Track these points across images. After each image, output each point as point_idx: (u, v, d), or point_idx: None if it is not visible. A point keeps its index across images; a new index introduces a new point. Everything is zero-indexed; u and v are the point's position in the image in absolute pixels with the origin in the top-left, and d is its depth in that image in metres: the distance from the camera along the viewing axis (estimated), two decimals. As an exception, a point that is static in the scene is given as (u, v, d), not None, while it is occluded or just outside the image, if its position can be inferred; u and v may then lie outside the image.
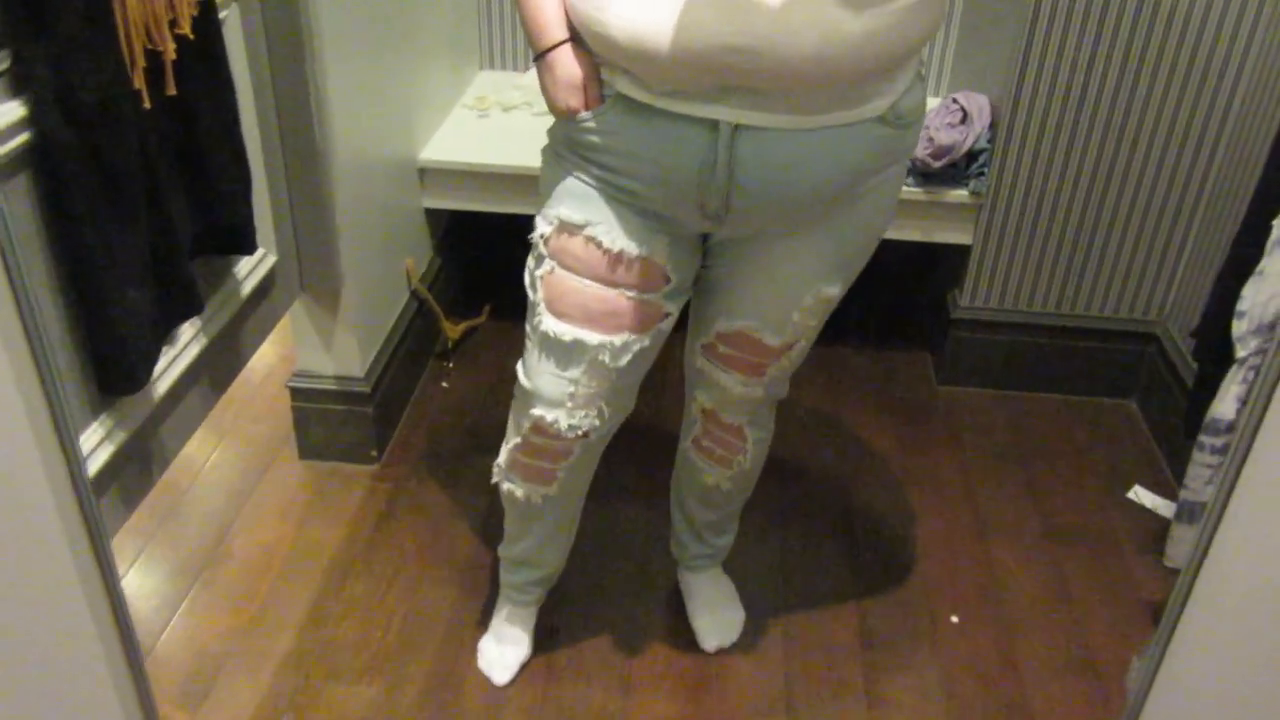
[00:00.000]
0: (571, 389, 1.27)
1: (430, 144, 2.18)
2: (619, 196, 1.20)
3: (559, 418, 1.29)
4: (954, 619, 1.72)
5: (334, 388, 1.94)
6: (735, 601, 1.70)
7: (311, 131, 1.64)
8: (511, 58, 2.52)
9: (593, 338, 1.24)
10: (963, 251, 2.15)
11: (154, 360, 1.22)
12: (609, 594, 1.75)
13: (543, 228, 1.24)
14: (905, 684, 1.62)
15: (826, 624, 1.71)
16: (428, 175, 2.16)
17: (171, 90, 1.12)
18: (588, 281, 1.22)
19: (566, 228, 1.21)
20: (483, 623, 1.67)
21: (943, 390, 2.26)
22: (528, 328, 1.30)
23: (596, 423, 1.31)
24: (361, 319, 1.91)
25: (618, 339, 1.24)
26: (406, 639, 1.66)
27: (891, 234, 2.09)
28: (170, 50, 1.10)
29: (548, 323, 1.24)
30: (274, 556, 1.82)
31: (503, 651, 1.61)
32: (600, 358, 1.25)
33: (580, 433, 1.31)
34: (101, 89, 1.01)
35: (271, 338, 1.78)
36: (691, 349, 1.42)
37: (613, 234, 1.20)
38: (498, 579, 1.63)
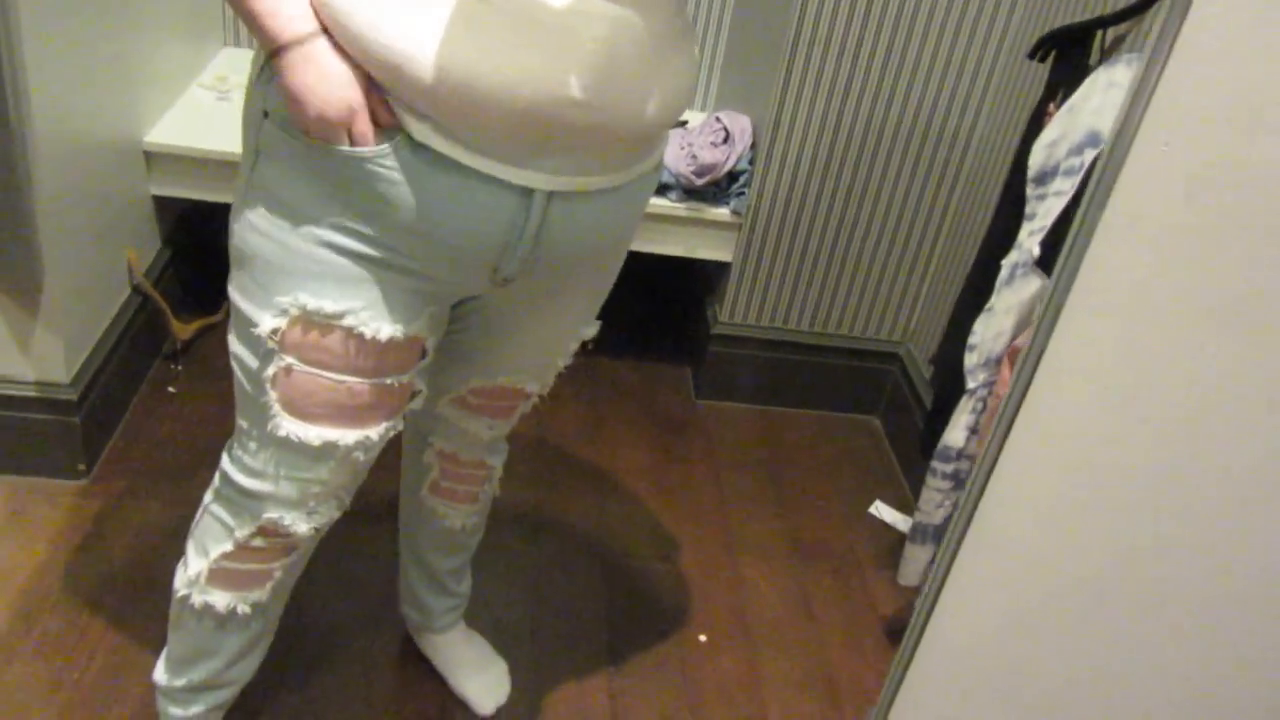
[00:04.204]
0: (316, 489, 1.07)
1: (159, 125, 1.97)
2: (385, 263, 0.97)
3: (296, 520, 1.09)
4: (702, 638, 1.73)
5: (33, 394, 1.71)
6: (493, 652, 1.59)
7: (3, 108, 1.43)
8: (261, 35, 2.32)
9: (349, 436, 1.03)
10: (724, 267, 2.17)
11: None
12: (337, 668, 1.63)
13: (270, 320, 0.97)
14: (650, 707, 1.60)
15: (577, 646, 1.67)
16: (155, 160, 1.95)
17: None
18: (343, 376, 1.00)
19: (312, 319, 0.97)
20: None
21: (702, 404, 2.28)
22: (244, 421, 1.07)
23: (335, 514, 1.13)
24: (68, 317, 1.70)
25: (375, 432, 1.05)
26: (108, 681, 1.48)
27: (655, 248, 2.10)
28: None
29: (289, 426, 1.01)
30: (-49, 588, 1.59)
31: None
32: (355, 455, 1.06)
33: (315, 529, 1.12)
34: None
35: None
36: (430, 402, 1.28)
37: (377, 319, 0.98)
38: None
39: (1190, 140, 0.47)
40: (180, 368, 2.08)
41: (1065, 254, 0.53)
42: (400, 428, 1.12)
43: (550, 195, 0.95)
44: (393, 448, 1.24)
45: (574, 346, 1.24)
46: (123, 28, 1.79)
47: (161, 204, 2.04)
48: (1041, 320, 0.54)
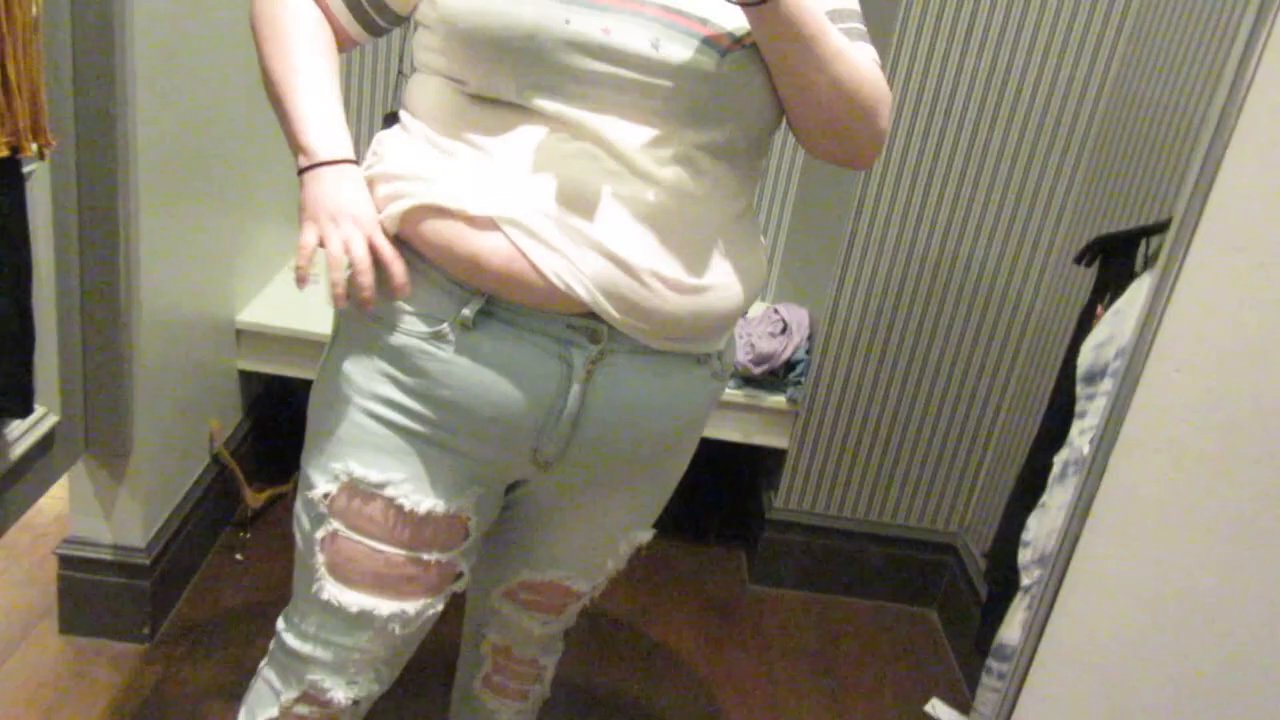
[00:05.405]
0: (356, 656, 1.10)
1: (251, 306, 2.11)
2: (431, 439, 1.02)
3: (335, 687, 1.12)
4: (750, 839, 1.67)
5: (109, 558, 1.78)
6: None
7: (116, 289, 1.56)
8: (350, 224, 2.49)
9: (384, 607, 1.07)
10: (780, 454, 2.21)
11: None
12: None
13: (323, 485, 1.04)
14: None
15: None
16: (245, 337, 2.08)
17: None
18: (381, 546, 1.04)
19: (358, 487, 1.03)
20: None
21: (754, 589, 2.27)
22: (297, 584, 1.13)
23: (375, 688, 1.15)
24: (150, 484, 1.78)
25: (411, 607, 1.09)
26: None
27: (712, 433, 2.15)
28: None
29: (331, 590, 1.06)
30: (10, 748, 1.61)
31: None
32: (391, 628, 1.09)
33: (354, 701, 1.14)
34: None
35: (53, 493, 1.64)
36: (485, 592, 1.31)
37: (418, 493, 1.03)
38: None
39: (1197, 367, 0.51)
40: (249, 535, 2.15)
41: (1089, 462, 0.57)
42: (440, 608, 1.13)
43: (591, 369, 0.99)
44: (451, 628, 1.27)
45: (625, 550, 1.25)
46: (227, 217, 1.96)
47: (246, 377, 2.16)
48: (1068, 526, 0.57)
